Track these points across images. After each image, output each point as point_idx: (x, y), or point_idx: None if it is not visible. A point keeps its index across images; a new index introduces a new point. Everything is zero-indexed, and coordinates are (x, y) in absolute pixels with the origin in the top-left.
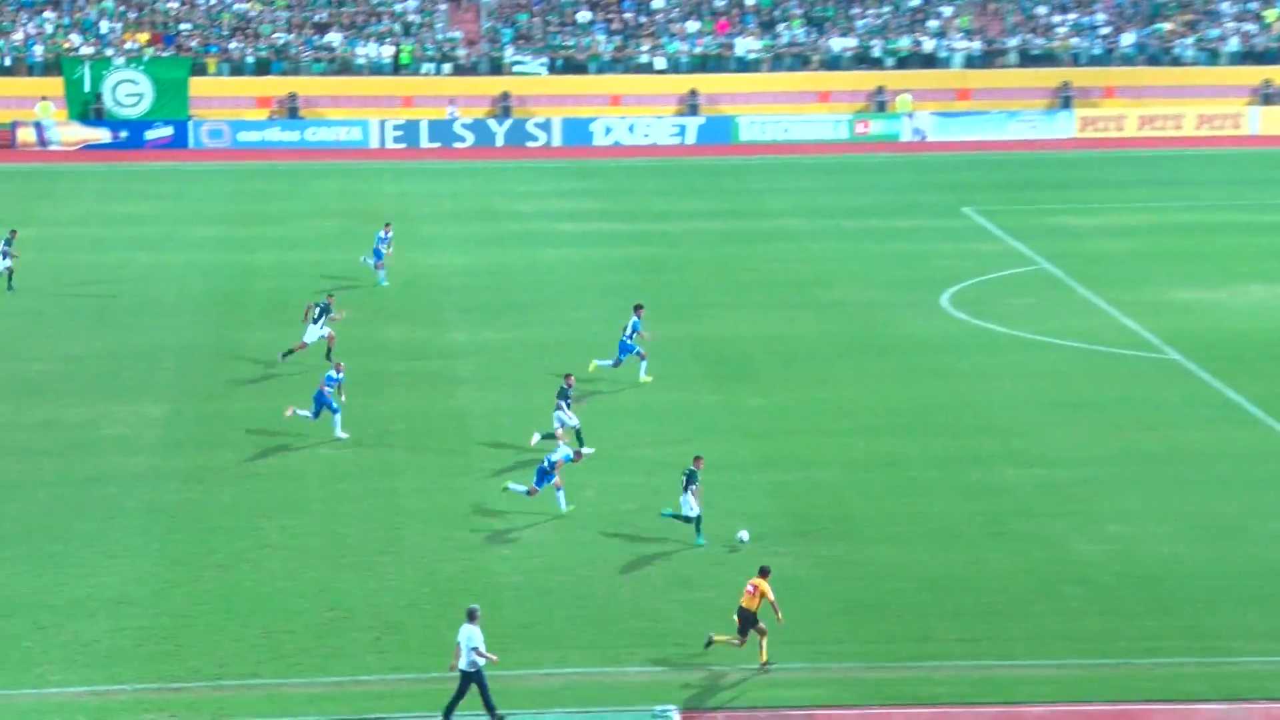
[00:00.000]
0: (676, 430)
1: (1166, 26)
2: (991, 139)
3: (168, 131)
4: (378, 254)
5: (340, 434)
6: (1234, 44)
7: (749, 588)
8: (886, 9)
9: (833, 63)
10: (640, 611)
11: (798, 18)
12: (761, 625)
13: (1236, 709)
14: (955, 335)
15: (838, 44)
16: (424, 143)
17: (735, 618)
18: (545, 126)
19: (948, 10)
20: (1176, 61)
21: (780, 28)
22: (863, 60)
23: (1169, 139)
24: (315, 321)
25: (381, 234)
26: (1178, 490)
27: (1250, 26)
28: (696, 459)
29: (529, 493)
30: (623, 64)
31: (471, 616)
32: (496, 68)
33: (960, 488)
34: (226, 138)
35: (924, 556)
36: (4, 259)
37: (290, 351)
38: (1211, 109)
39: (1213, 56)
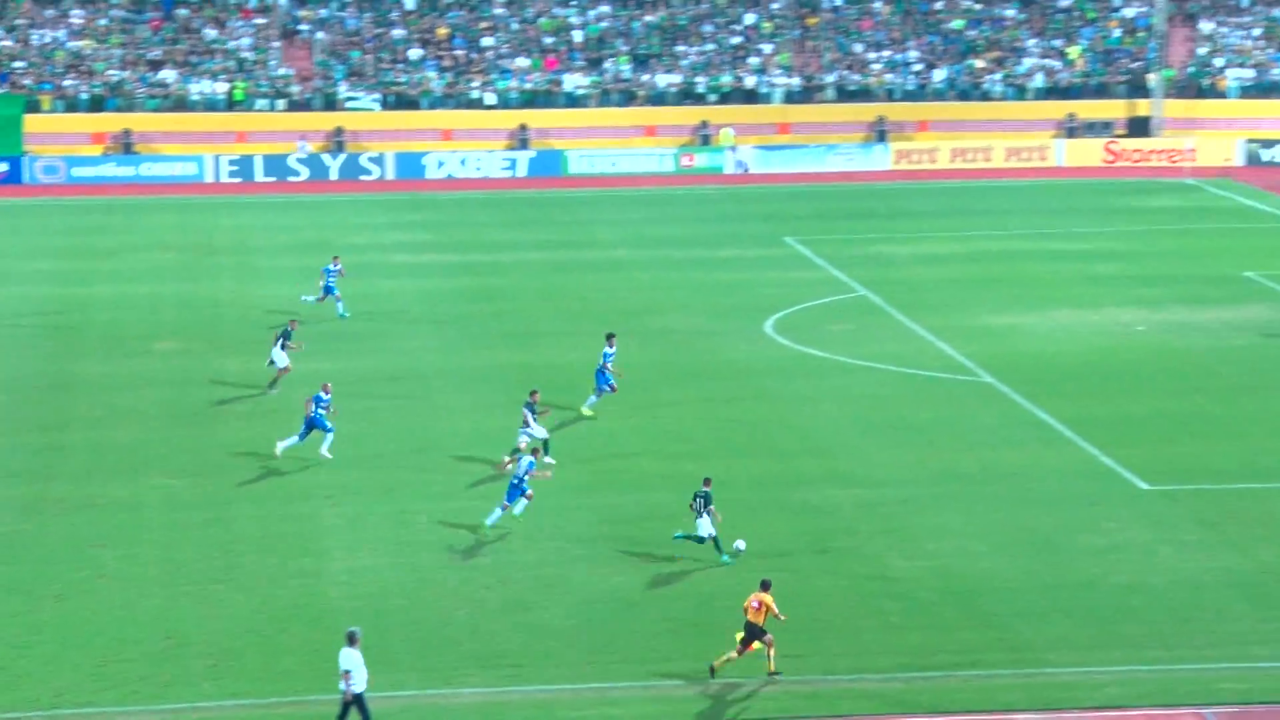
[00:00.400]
0: (508, 455)
1: (976, 63)
2: (811, 171)
3: (2, 168)
4: (329, 288)
5: (326, 454)
6: (1039, 80)
7: (753, 603)
8: (709, 46)
9: (658, 98)
10: (476, 634)
11: (624, 55)
12: (769, 637)
13: (1051, 718)
14: (779, 360)
15: (663, 80)
16: (259, 177)
17: (740, 633)
18: (379, 161)
19: (768, 48)
20: (986, 97)
21: (607, 64)
22: (687, 96)
23: (979, 170)
24: (281, 347)
25: (330, 266)
26: (993, 508)
27: (1054, 63)
28: (706, 480)
29: (504, 508)
30: (454, 100)
31: (351, 640)
32: (330, 103)
33: (785, 508)
34: (61, 173)
35: (750, 576)
36: None
37: (274, 382)
38: (1019, 142)
39: (1020, 92)
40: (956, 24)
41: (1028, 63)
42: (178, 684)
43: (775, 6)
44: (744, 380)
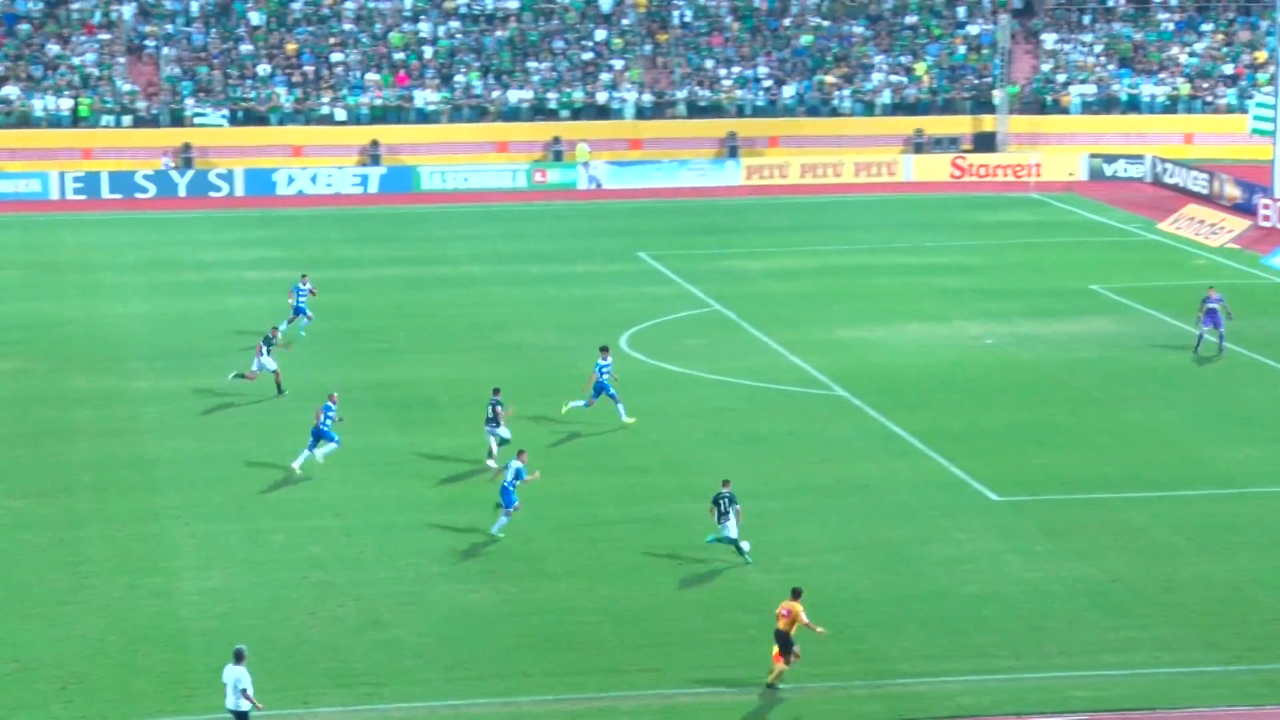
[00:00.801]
0: (362, 473)
1: (825, 79)
2: (663, 186)
3: None
4: (300, 309)
5: (320, 459)
6: (887, 96)
7: (783, 611)
8: (561, 62)
9: (510, 114)
10: (333, 653)
11: (475, 70)
12: (796, 650)
13: None
14: (634, 375)
15: (515, 95)
16: (105, 194)
17: (775, 644)
18: (227, 177)
19: (619, 64)
20: (835, 112)
21: (458, 80)
22: (539, 111)
23: (829, 185)
24: (265, 353)
25: (300, 285)
26: (846, 520)
27: (902, 79)
28: (725, 482)
29: (508, 515)
30: (304, 115)
31: (238, 658)
32: (178, 119)
33: (641, 522)
34: None
35: (608, 590)
36: None
37: (241, 375)
38: (868, 157)
39: (868, 108)
40: (805, 39)
41: (876, 79)
42: (26, 707)
43: (626, 23)
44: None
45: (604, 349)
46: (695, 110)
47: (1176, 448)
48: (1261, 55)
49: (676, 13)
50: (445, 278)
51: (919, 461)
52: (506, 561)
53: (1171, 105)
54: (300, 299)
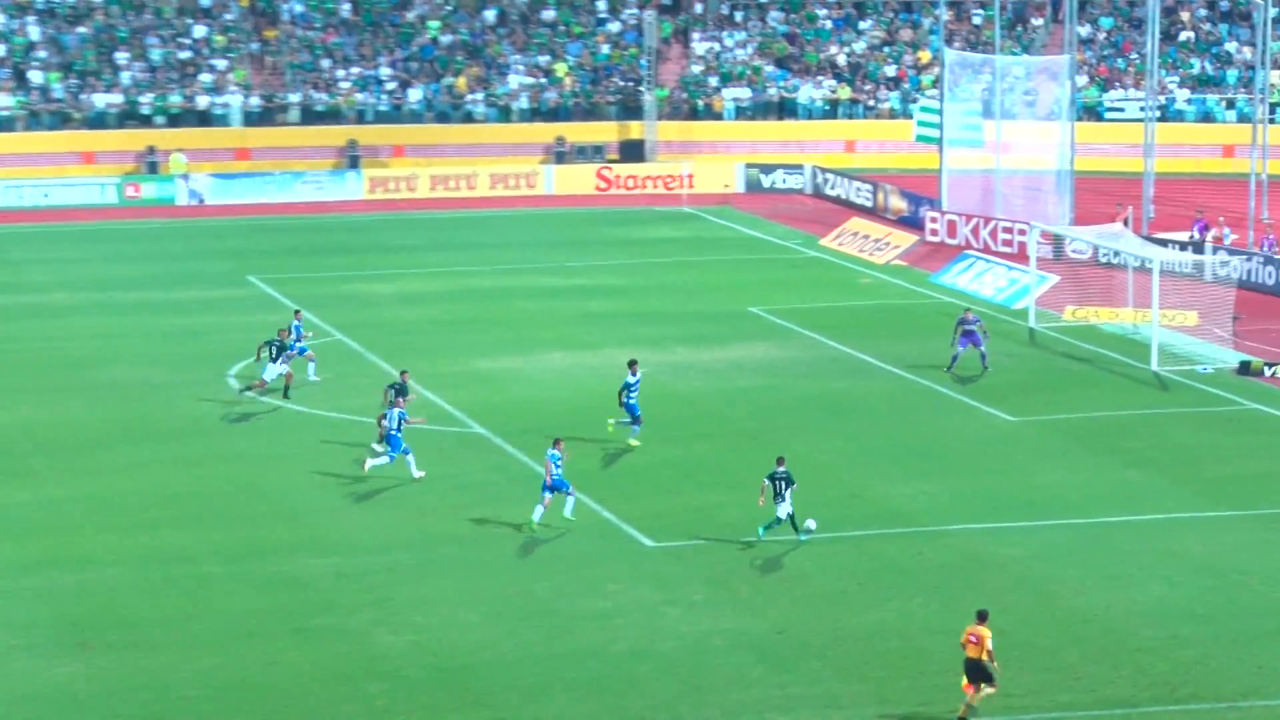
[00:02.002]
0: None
1: (456, 81)
2: (276, 201)
3: None
4: (301, 349)
5: (416, 473)
6: (524, 100)
7: (970, 637)
8: (155, 62)
9: (97, 120)
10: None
11: (54, 70)
12: (995, 667)
13: None
14: (245, 415)
15: (101, 100)
16: None
17: (963, 674)
18: None
19: (221, 64)
20: (468, 118)
21: (35, 81)
22: (130, 118)
23: (463, 199)
24: (274, 360)
25: (295, 323)
26: (485, 572)
27: (540, 81)
28: (780, 459)
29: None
30: None
31: None
32: None
33: (254, 582)
34: None
35: (217, 660)
36: None
37: (249, 388)
38: (505, 168)
39: (504, 113)
40: (432, 33)
41: (512, 81)
42: None
43: (229, 17)
44: (204, 439)
45: (632, 363)
46: (310, 116)
47: (844, 484)
48: (925, 55)
49: (286, 6)
50: (26, 307)
51: (554, 505)
52: (98, 630)
53: (831, 110)
54: (298, 338)
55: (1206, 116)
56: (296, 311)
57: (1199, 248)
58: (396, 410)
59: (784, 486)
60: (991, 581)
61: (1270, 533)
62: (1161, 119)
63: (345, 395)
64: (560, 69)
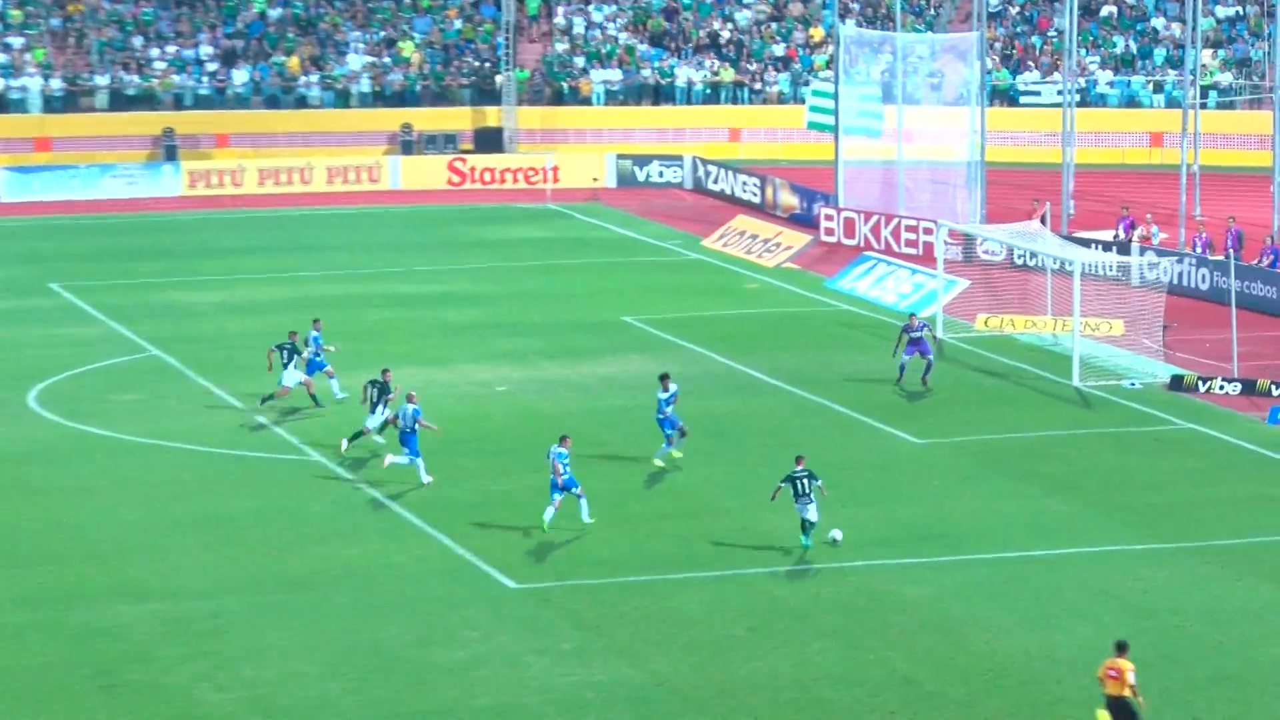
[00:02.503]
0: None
1: (287, 62)
2: (82, 198)
3: None
4: (319, 364)
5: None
6: (366, 83)
7: (1110, 671)
8: None
9: None
10: None
11: None
12: (1141, 703)
13: None
14: (46, 442)
15: None
16: None
17: (1105, 712)
18: None
19: (17, 42)
20: (301, 103)
21: None
22: None
23: (297, 196)
24: (285, 365)
25: (314, 333)
26: (326, 619)
27: (384, 61)
28: (799, 459)
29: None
30: None
31: None
32: None
33: (58, 632)
34: None
35: None
36: None
37: (270, 397)
38: (345, 159)
39: (343, 97)
40: (260, 6)
41: (352, 61)
42: None
43: None
44: (1, 470)
45: (664, 377)
46: (120, 101)
47: (731, 515)
48: (818, 32)
49: None
50: None
51: (418, 542)
52: None
53: (713, 94)
54: (318, 351)
55: (1132, 101)
56: (315, 320)
57: (1124, 248)
58: (411, 407)
59: (807, 486)
60: (898, 624)
61: (1207, 567)
62: (1081, 104)
63: (163, 418)
64: (406, 47)
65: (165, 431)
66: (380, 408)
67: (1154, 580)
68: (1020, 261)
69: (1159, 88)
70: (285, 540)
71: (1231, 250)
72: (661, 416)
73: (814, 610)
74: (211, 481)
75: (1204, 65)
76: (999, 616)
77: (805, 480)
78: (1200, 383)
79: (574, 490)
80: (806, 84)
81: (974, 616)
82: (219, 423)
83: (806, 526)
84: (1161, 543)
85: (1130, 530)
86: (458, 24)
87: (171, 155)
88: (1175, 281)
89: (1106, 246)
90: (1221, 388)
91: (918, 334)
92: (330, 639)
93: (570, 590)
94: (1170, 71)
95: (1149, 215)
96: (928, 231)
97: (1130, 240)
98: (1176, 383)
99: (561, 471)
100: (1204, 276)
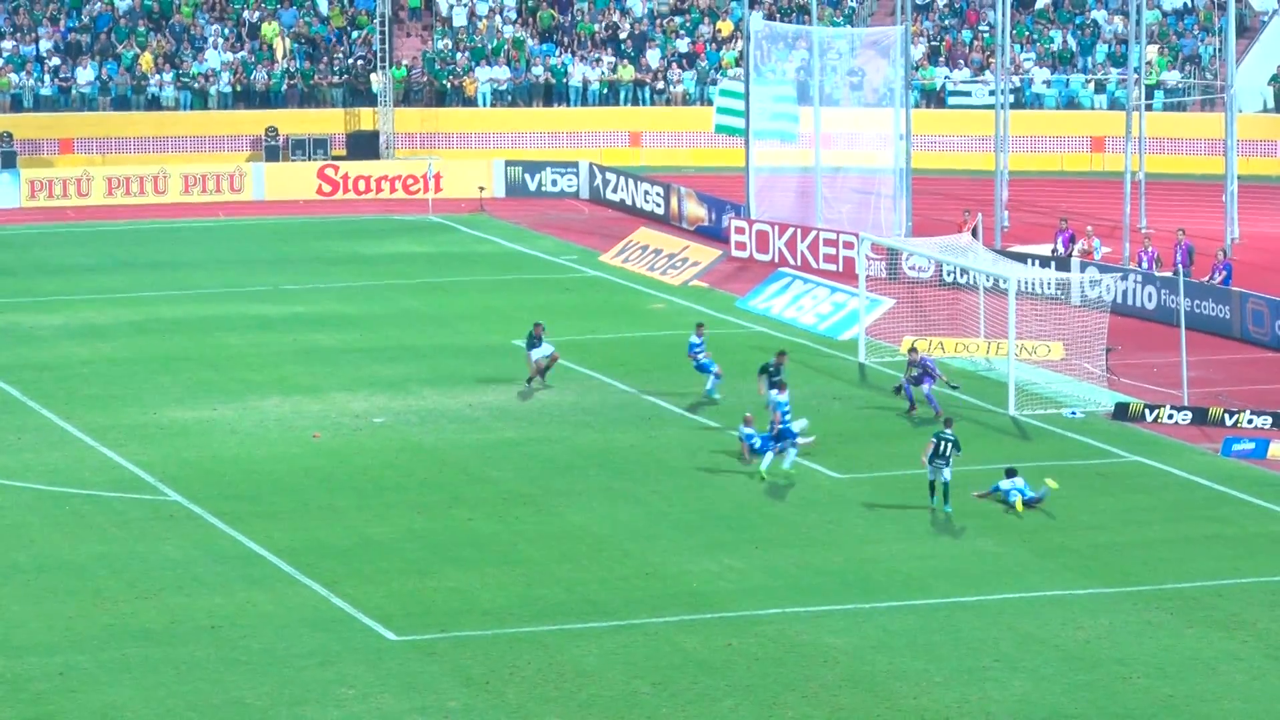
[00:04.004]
0: None
1: (140, 58)
2: None
3: None
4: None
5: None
6: (226, 82)
7: None
8: None
9: None
10: None
11: None
12: None
13: None
14: None
15: None
16: None
17: None
18: None
19: None
20: (154, 104)
21: None
22: None
23: (150, 207)
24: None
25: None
26: (185, 676)
27: (246, 57)
28: (948, 420)
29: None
30: None
31: None
32: None
33: None
34: None
35: None
36: None
37: (536, 374)
38: (203, 166)
39: (201, 98)
40: None
41: (210, 58)
42: None
43: None
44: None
45: (700, 325)
46: None
47: (634, 559)
48: (726, 26)
49: None
50: None
51: (287, 590)
52: None
53: (612, 94)
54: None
55: (1071, 102)
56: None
57: (1064, 264)
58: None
59: (948, 449)
60: (818, 678)
61: (1154, 613)
62: (1016, 105)
63: (0, 454)
64: (270, 31)
65: (4, 469)
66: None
67: (1096, 628)
68: (950, 279)
69: (1100, 87)
70: (140, 588)
71: (1180, 266)
72: (700, 360)
73: (726, 663)
74: (57, 523)
75: (1149, 63)
76: (927, 669)
77: (949, 444)
78: (1147, 411)
79: (791, 439)
80: (714, 83)
81: (900, 669)
82: (61, 457)
83: (935, 489)
84: (1105, 587)
85: (1070, 574)
86: (325, 8)
87: (9, 162)
88: (1119, 300)
89: (1044, 262)
90: (1170, 417)
91: (928, 364)
92: (190, 698)
93: (456, 643)
94: (1112, 70)
95: (1090, 228)
96: (848, 246)
97: (1070, 255)
98: (1121, 411)
99: (782, 419)
100: (1150, 295)
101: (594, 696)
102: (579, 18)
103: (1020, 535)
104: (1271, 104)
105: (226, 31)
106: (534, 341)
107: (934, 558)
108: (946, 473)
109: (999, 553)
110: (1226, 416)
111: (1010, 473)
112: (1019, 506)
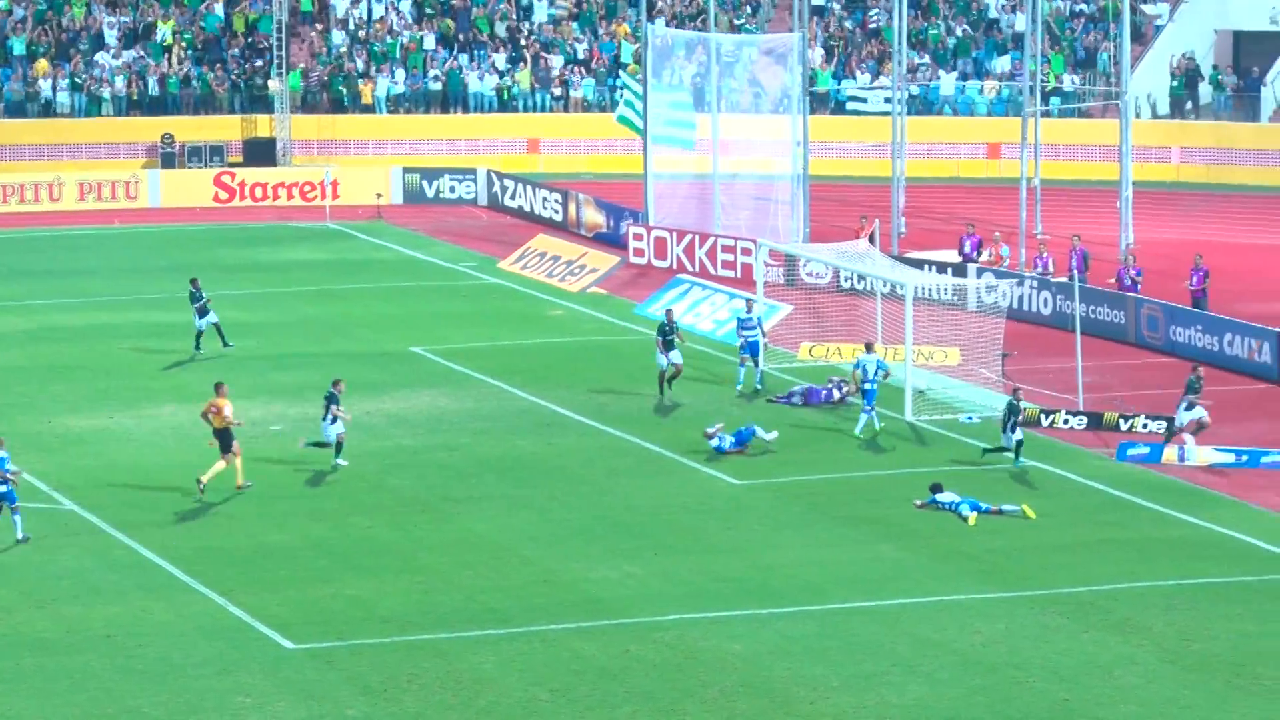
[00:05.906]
0: None
1: (35, 63)
2: None
3: None
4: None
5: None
6: (120, 86)
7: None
8: None
9: None
10: None
11: None
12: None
13: None
14: None
15: None
16: None
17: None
18: None
19: None
20: (47, 110)
21: None
22: None
23: (43, 215)
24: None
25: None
26: (78, 687)
27: (142, 59)
28: (1016, 390)
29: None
30: None
31: None
32: None
33: None
34: None
35: None
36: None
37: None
38: (97, 174)
39: (94, 104)
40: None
41: (102, 61)
42: None
43: None
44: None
45: (749, 302)
46: None
47: (532, 566)
48: (624, 28)
49: None
50: None
51: (184, 599)
52: None
53: (508, 100)
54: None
55: (967, 109)
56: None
57: (962, 269)
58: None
59: (1011, 417)
60: (716, 683)
61: (1051, 617)
62: (913, 112)
63: None
64: (166, 28)
65: None
66: None
67: (993, 632)
68: (847, 285)
69: (998, 94)
70: (35, 598)
71: (1076, 271)
72: (752, 340)
73: (624, 669)
74: None
75: (1045, 60)
76: (825, 674)
77: (1010, 411)
78: (1043, 416)
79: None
80: (613, 90)
81: (798, 674)
82: None
83: (1018, 450)
84: (1001, 591)
85: (967, 578)
86: (219, 14)
87: None
88: (1015, 305)
89: (944, 268)
90: (1066, 421)
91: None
92: (86, 708)
93: (354, 651)
94: (1009, 80)
95: (998, 234)
96: (746, 252)
97: (977, 260)
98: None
99: (869, 380)
100: (1046, 300)
101: (492, 704)
102: (476, 18)
103: (919, 540)
104: (1166, 110)
105: (121, 25)
106: (333, 398)
107: (833, 563)
108: (1008, 439)
109: (898, 558)
110: (1121, 421)
111: (936, 488)
112: (972, 521)
